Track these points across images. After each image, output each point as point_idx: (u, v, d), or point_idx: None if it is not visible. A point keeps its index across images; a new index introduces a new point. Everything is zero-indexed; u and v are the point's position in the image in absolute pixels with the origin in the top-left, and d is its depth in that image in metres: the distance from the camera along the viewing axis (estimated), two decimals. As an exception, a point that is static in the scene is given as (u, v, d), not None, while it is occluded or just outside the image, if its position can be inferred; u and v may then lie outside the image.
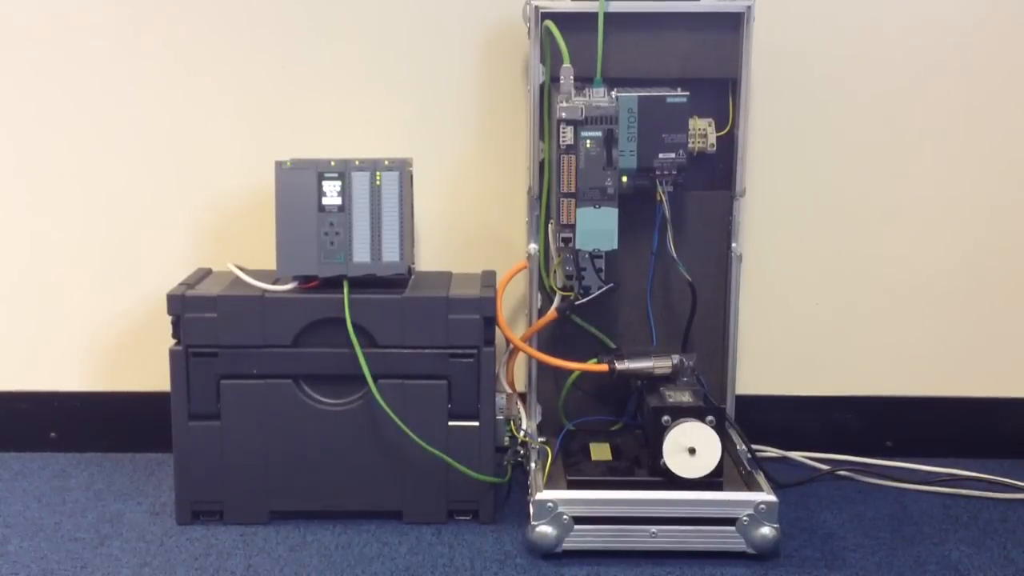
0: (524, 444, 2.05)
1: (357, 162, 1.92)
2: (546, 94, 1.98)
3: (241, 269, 2.00)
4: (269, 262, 1.95)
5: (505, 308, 2.08)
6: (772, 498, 1.83)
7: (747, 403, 2.13)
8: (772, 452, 2.19)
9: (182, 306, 1.90)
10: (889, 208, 2.18)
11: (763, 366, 2.21)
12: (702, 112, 1.98)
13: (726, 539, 1.83)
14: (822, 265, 2.20)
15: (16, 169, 2.17)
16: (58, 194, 2.18)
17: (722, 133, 2.00)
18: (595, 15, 1.93)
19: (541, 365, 2.03)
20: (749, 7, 1.94)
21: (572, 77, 1.89)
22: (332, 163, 1.92)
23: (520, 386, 2.14)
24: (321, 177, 1.92)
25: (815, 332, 2.22)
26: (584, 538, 1.84)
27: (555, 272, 2.04)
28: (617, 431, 2.10)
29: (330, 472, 1.94)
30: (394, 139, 2.14)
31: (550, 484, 1.89)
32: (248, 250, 2.12)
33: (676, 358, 1.94)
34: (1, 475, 2.15)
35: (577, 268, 2.03)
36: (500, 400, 2.04)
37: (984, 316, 2.21)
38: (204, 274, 2.05)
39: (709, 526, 1.83)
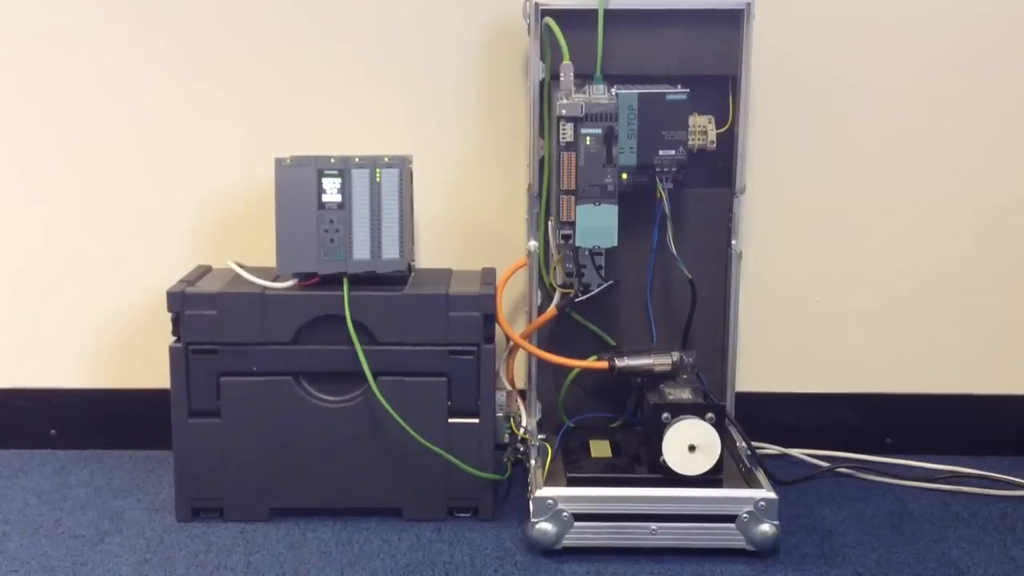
0: (524, 441, 2.05)
1: (357, 159, 1.92)
2: (546, 91, 1.98)
3: (241, 266, 2.00)
4: (269, 259, 1.95)
5: (505, 305, 2.08)
6: (772, 495, 1.83)
7: (747, 400, 2.13)
8: (772, 449, 2.19)
9: (182, 303, 1.90)
10: (889, 205, 2.18)
11: (763, 363, 2.21)
12: (702, 109, 1.98)
13: (726, 536, 1.83)
14: (822, 262, 2.19)
15: (16, 167, 2.17)
16: (58, 191, 2.18)
17: (722, 130, 1.99)
18: (595, 12, 1.93)
19: (541, 362, 2.03)
20: (749, 4, 1.94)
21: (572, 74, 1.90)
22: (332, 160, 1.92)
23: (520, 383, 2.14)
24: (321, 174, 1.92)
25: (815, 329, 2.22)
26: (584, 535, 1.84)
27: (555, 269, 2.04)
28: (617, 428, 2.10)
29: (330, 469, 1.94)
30: (394, 136, 2.14)
31: (550, 481, 1.89)
32: (248, 247, 2.12)
33: (676, 355, 1.94)
34: (1, 472, 2.15)
35: (577, 265, 2.03)
36: (500, 397, 2.04)
37: (984, 313, 2.21)
38: (204, 271, 2.05)
39: (709, 523, 1.83)
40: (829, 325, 2.22)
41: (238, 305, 1.90)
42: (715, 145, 1.97)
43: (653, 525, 1.83)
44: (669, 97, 1.90)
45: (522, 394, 2.12)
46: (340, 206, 1.92)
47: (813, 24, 2.12)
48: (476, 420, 1.94)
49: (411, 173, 1.95)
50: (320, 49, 2.13)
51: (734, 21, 1.96)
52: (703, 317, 2.04)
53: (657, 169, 1.91)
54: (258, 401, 1.92)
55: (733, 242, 2.03)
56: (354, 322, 1.89)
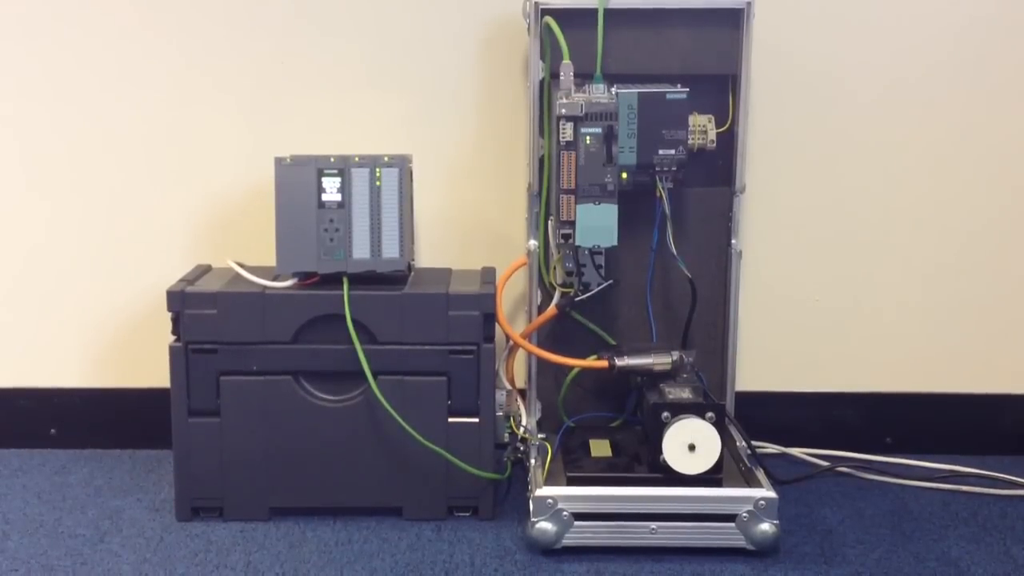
0: (524, 440, 2.05)
1: (357, 158, 1.92)
2: (546, 90, 1.98)
3: (241, 265, 2.00)
4: (269, 258, 1.95)
5: (505, 304, 2.08)
6: (772, 494, 1.83)
7: (747, 399, 2.13)
8: (772, 448, 2.19)
9: (182, 302, 1.90)
10: (889, 204, 2.18)
11: (763, 362, 2.21)
12: (702, 108, 1.98)
13: (726, 535, 1.83)
14: (822, 261, 2.20)
15: (17, 166, 2.17)
16: (58, 190, 2.18)
17: (722, 129, 1.99)
18: (595, 11, 1.93)
19: (541, 361, 2.03)
20: (749, 3, 1.94)
21: (572, 73, 1.90)
22: (332, 159, 1.92)
23: (520, 382, 2.14)
24: (321, 173, 1.92)
25: (815, 328, 2.22)
26: (584, 534, 1.84)
27: (555, 268, 2.04)
28: (617, 427, 2.10)
29: (330, 468, 1.94)
30: (394, 135, 2.14)
31: (550, 480, 1.89)
32: (248, 246, 2.12)
33: (676, 354, 1.94)
34: (1, 471, 2.15)
35: (577, 264, 2.03)
36: (500, 396, 2.04)
37: (984, 312, 2.21)
38: (204, 270, 2.05)
39: (709, 522, 1.83)
40: (829, 324, 2.22)
41: (238, 304, 1.90)
42: (715, 144, 1.97)
43: (653, 524, 1.83)
44: (669, 96, 1.90)
45: (522, 393, 2.12)
46: (340, 205, 1.92)
47: (813, 24, 2.12)
48: (476, 419, 1.93)
49: (411, 173, 1.96)
50: (320, 49, 2.13)
51: (734, 21, 1.96)
52: (703, 317, 2.04)
53: (657, 168, 1.91)
54: (258, 401, 1.92)
55: (733, 241, 2.03)
56: (354, 321, 1.89)
